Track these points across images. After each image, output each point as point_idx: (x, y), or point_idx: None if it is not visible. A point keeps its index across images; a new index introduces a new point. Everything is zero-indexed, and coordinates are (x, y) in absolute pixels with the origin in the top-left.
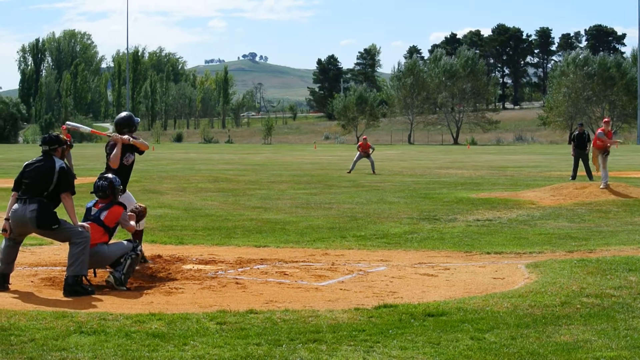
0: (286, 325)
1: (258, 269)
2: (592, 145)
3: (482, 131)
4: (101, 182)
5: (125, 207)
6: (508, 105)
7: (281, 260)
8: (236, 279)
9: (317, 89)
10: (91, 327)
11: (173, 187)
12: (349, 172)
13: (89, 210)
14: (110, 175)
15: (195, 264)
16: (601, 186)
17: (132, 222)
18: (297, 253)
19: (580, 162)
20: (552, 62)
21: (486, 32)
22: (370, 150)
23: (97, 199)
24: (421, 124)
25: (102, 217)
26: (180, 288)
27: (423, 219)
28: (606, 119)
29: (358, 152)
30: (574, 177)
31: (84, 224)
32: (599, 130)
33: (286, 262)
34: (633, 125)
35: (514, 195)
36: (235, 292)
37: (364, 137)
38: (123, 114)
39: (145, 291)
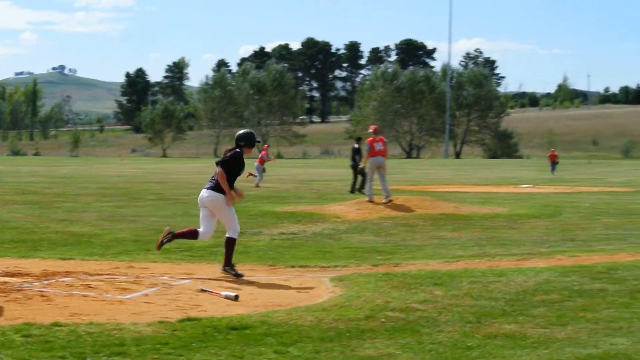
0: (91, 338)
1: (63, 281)
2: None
3: (289, 145)
4: None
5: None
6: (315, 119)
7: (86, 273)
8: (41, 291)
9: (125, 102)
10: None
11: None
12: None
13: None
14: None
15: (1, 276)
16: (383, 200)
17: None
18: (102, 266)
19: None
20: (361, 76)
21: (295, 45)
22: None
23: None
24: (228, 137)
25: None
26: None
27: None
28: (373, 127)
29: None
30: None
31: None
32: (367, 141)
33: (91, 274)
34: (441, 140)
35: (319, 208)
36: (41, 305)
37: (266, 145)
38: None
39: None
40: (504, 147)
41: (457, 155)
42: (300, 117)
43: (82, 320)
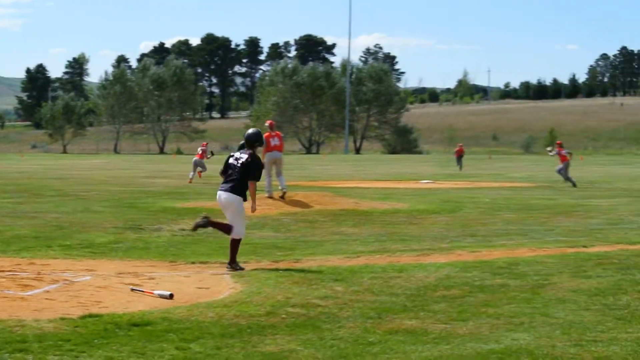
0: None
1: None
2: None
3: (189, 140)
4: None
5: None
6: (215, 114)
7: None
8: None
9: (25, 98)
10: None
11: None
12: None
13: None
14: None
15: None
16: (280, 194)
17: None
18: (3, 262)
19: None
20: (261, 71)
21: (195, 41)
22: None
23: None
24: (128, 133)
25: None
26: None
27: (128, 228)
28: (269, 122)
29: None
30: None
31: None
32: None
33: None
34: (341, 135)
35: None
36: None
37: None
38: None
39: None
40: (403, 142)
41: (357, 150)
42: (200, 112)
43: None
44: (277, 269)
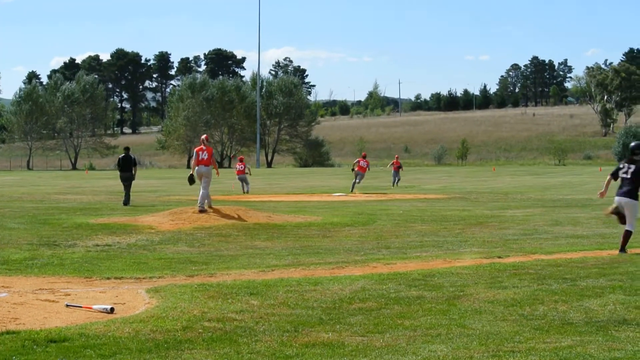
0: None
1: None
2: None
3: (101, 156)
4: None
5: None
6: (126, 129)
7: None
8: None
9: None
10: None
11: None
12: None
13: None
14: None
15: None
16: (197, 208)
17: None
18: None
19: None
20: (171, 86)
21: (105, 56)
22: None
23: None
24: (40, 150)
25: None
26: None
27: (43, 244)
28: (204, 136)
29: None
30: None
31: None
32: (194, 149)
33: None
34: (252, 149)
35: (132, 220)
36: None
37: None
38: None
39: None
40: (315, 155)
41: (269, 164)
42: (112, 128)
43: None
44: (191, 284)
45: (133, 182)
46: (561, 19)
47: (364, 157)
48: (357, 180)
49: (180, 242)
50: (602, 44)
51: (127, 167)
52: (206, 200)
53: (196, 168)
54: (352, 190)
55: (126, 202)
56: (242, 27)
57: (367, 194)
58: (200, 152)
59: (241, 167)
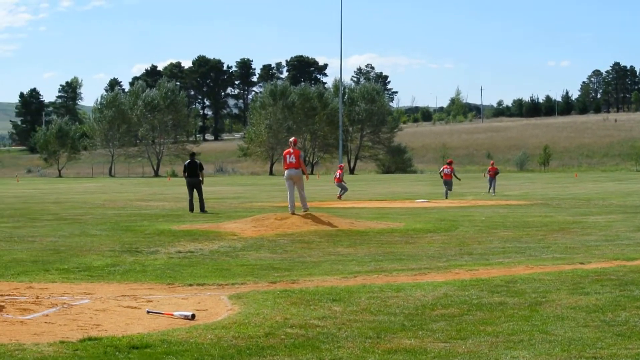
0: None
1: None
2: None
3: (183, 163)
4: None
5: None
6: (209, 136)
7: None
8: None
9: (19, 123)
10: None
11: None
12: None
13: None
14: None
15: None
16: (302, 211)
17: None
18: (1, 287)
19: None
20: (253, 93)
21: (187, 63)
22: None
23: None
24: (122, 157)
25: None
26: None
27: (125, 251)
28: (292, 139)
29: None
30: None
31: None
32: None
33: None
34: (335, 155)
35: (215, 226)
36: None
37: (341, 165)
38: None
39: None
40: (397, 162)
41: (352, 170)
42: (194, 135)
43: None
44: (274, 290)
45: (203, 187)
46: None
47: (449, 163)
48: (448, 189)
49: (262, 248)
50: None
51: (193, 172)
52: (297, 204)
53: (286, 172)
54: (445, 197)
55: (201, 208)
56: (324, 34)
57: (449, 201)
58: (288, 156)
59: (339, 175)
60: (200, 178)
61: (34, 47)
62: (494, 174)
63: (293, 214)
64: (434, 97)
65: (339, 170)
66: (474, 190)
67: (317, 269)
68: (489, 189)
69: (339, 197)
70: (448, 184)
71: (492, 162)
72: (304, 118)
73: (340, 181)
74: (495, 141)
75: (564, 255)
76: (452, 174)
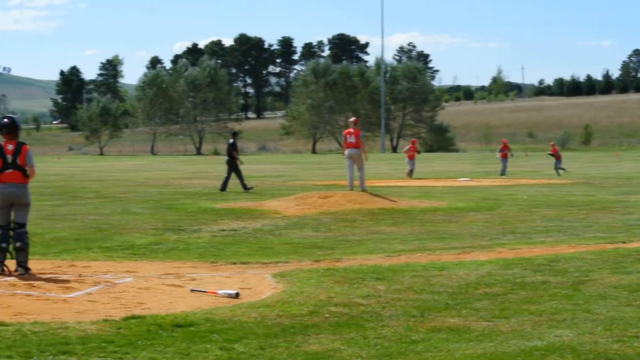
0: (36, 337)
1: (6, 281)
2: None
3: (225, 141)
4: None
5: None
6: (251, 114)
7: None
8: None
9: (60, 100)
10: None
11: None
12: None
13: None
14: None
15: None
16: (360, 189)
17: None
18: (44, 265)
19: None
20: (295, 71)
21: (228, 42)
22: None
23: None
24: (164, 135)
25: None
26: None
27: (168, 229)
28: (353, 119)
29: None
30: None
31: None
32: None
33: (33, 274)
34: (377, 134)
35: (258, 205)
36: None
37: (413, 140)
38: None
39: None
40: (440, 141)
41: (394, 149)
42: (236, 113)
43: (27, 319)
44: (318, 269)
45: (239, 166)
46: None
47: (504, 143)
48: (504, 166)
49: (306, 227)
50: None
51: (228, 152)
52: (357, 182)
53: (346, 151)
54: (501, 174)
55: (244, 186)
56: (365, 13)
57: (492, 179)
58: (349, 136)
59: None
60: (229, 157)
61: (74, 24)
62: (505, 155)
63: (352, 189)
64: (475, 76)
65: (411, 145)
66: (515, 169)
67: (360, 247)
68: (555, 168)
69: (409, 175)
70: (503, 162)
71: (552, 143)
72: (345, 97)
73: (413, 158)
74: (537, 120)
75: (606, 234)
76: (508, 153)
